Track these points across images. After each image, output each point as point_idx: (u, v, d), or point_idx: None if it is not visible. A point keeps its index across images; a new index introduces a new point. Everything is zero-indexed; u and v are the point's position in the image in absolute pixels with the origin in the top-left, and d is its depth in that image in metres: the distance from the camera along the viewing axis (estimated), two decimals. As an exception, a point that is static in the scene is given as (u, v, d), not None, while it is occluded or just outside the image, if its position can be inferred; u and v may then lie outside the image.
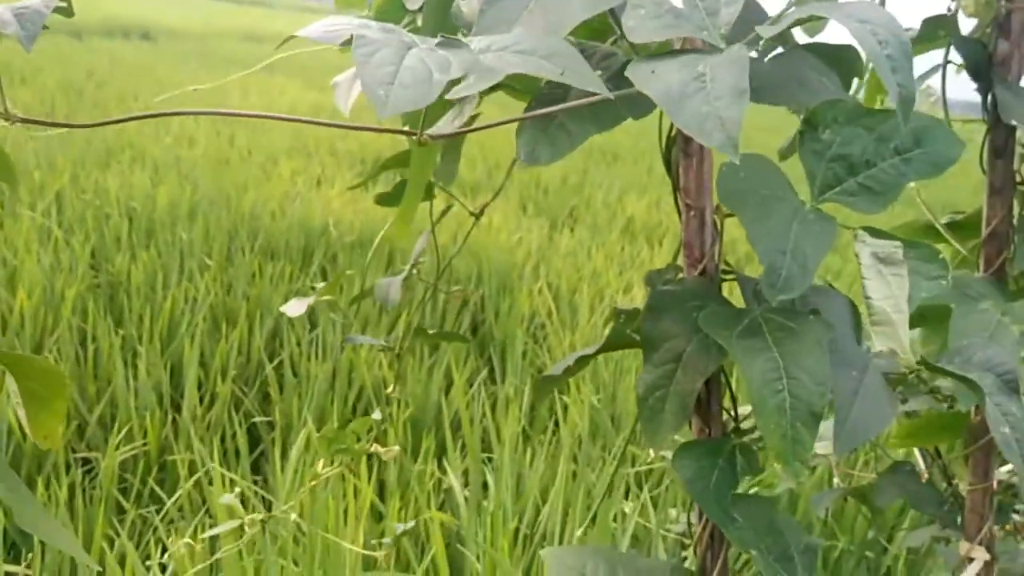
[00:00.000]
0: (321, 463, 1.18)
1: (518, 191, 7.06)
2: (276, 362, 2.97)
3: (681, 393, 0.71)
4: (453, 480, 2.23)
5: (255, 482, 2.51)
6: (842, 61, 0.85)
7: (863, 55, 0.86)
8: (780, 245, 0.65)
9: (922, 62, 1.25)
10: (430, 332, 1.16)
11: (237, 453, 2.49)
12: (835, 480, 1.39)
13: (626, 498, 2.26)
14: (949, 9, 1.15)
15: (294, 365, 3.01)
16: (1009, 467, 1.22)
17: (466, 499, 2.28)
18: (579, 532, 2.11)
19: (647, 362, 0.74)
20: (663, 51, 0.69)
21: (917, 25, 1.21)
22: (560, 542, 2.02)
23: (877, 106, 1.34)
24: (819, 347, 0.63)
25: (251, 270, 3.74)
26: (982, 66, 1.10)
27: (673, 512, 2.12)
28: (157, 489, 2.31)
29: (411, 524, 1.26)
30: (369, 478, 2.24)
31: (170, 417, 2.66)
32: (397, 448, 1.20)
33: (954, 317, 0.96)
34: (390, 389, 1.19)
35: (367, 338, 1.23)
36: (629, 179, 7.95)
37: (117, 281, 3.50)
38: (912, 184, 1.29)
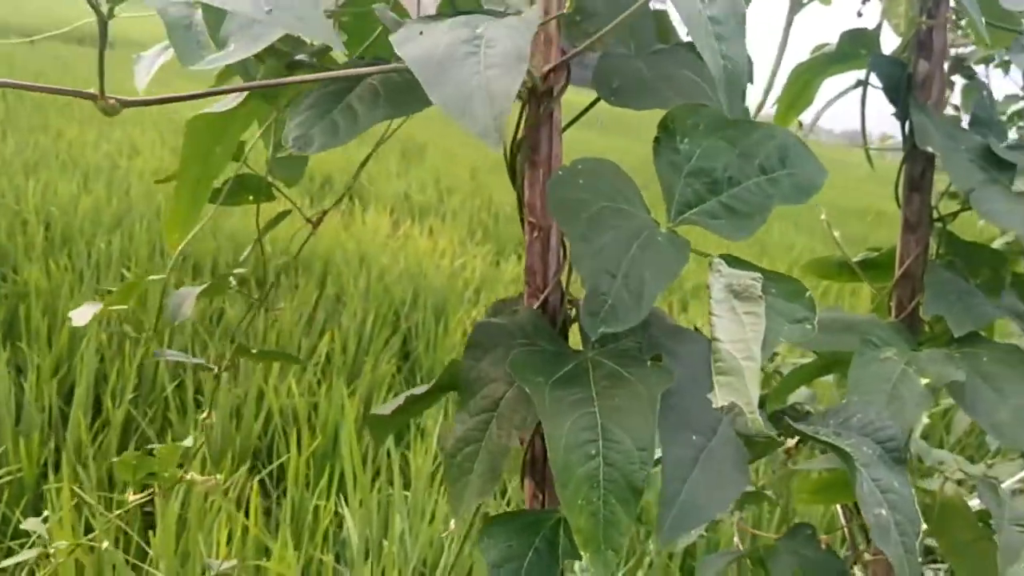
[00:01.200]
0: (131, 491, 1.02)
1: (468, 216, 6.94)
2: (176, 383, 2.78)
3: (493, 451, 0.57)
4: (348, 519, 2.07)
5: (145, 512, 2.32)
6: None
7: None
8: (610, 266, 0.52)
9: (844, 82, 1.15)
10: (254, 351, 1.01)
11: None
12: (735, 540, 1.26)
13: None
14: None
15: (199, 387, 2.82)
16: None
17: (367, 539, 2.12)
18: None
19: (462, 409, 0.60)
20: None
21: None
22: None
23: (792, 127, 1.23)
24: (650, 402, 0.50)
25: (171, 285, 3.54)
26: (900, 88, 1.00)
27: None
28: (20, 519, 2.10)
29: (232, 563, 1.11)
30: (269, 512, 2.07)
31: (55, 441, 2.46)
32: (217, 478, 1.05)
33: (853, 366, 0.84)
34: (204, 415, 1.03)
35: (177, 354, 1.08)
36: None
37: (22, 291, 3.28)
38: (823, 216, 1.19)
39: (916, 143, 0.96)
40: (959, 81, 3.90)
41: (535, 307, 0.65)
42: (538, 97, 0.65)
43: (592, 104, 0.69)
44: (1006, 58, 3.32)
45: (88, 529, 2.05)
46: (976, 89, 3.63)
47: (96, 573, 1.77)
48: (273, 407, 2.75)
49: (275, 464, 2.58)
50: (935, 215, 1.01)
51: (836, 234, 1.18)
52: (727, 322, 0.51)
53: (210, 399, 2.77)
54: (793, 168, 0.61)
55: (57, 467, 2.32)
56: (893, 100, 1.00)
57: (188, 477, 1.07)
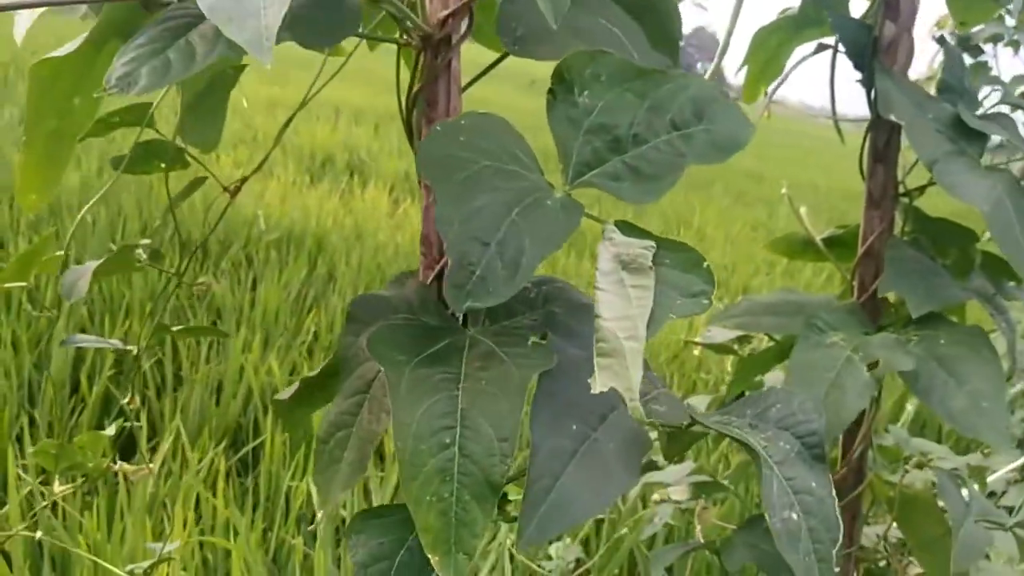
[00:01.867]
0: (56, 482, 0.98)
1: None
2: (153, 361, 2.74)
3: (363, 437, 0.51)
4: (316, 497, 2.02)
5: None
6: (655, 12, 0.67)
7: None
8: (483, 233, 0.46)
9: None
10: (175, 328, 0.96)
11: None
12: (698, 530, 1.21)
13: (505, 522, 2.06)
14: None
15: (179, 366, 2.78)
16: (880, 528, 1.05)
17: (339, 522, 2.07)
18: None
19: (339, 391, 0.54)
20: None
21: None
22: None
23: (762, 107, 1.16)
24: (518, 386, 0.44)
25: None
26: (865, 52, 0.93)
27: (554, 549, 1.92)
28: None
29: (175, 545, 1.06)
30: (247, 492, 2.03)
31: (25, 419, 2.42)
32: (150, 467, 1.00)
33: (794, 352, 0.78)
34: (127, 399, 0.98)
35: (90, 338, 1.02)
36: (582, 192, 7.77)
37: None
38: (784, 189, 1.12)
39: (879, 111, 0.89)
40: (967, 60, 3.77)
41: (430, 280, 0.59)
42: (434, 46, 0.59)
43: (499, 59, 0.63)
44: (1016, 37, 3.22)
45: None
46: (980, 66, 3.51)
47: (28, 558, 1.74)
48: (253, 385, 2.71)
49: (253, 444, 2.54)
50: (901, 189, 0.94)
51: (803, 210, 1.11)
52: (612, 297, 0.45)
53: (189, 378, 2.74)
54: (711, 123, 0.55)
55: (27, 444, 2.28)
56: (858, 66, 0.94)
57: (116, 467, 1.02)
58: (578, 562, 1.98)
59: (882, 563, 1.03)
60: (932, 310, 0.81)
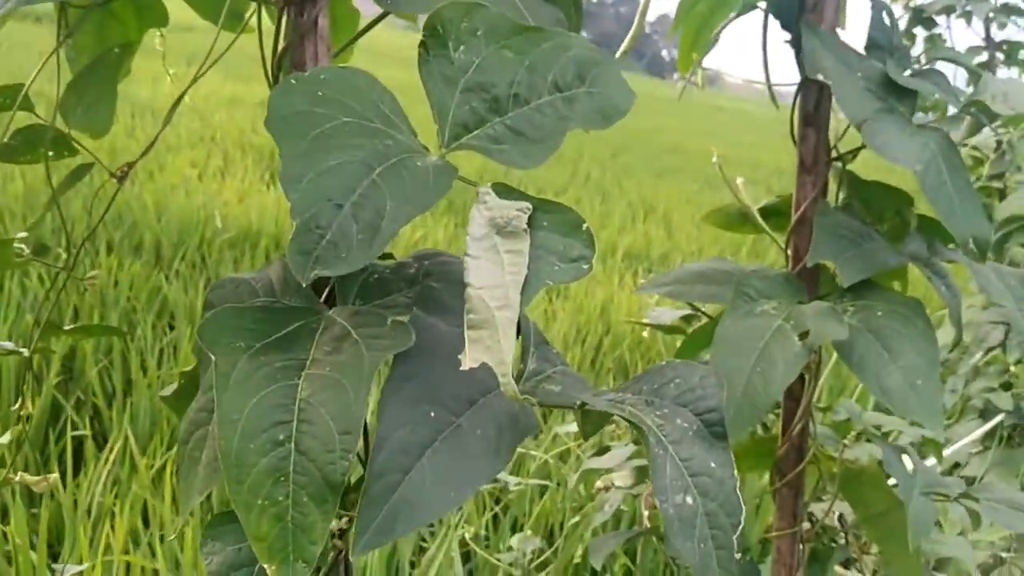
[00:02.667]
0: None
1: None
2: (99, 367, 2.66)
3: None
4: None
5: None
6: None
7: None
8: (336, 193, 0.41)
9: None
10: (66, 328, 0.90)
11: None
12: (645, 516, 1.17)
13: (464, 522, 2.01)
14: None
15: (129, 372, 2.70)
16: (825, 504, 1.01)
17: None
18: (408, 556, 1.86)
19: (200, 387, 0.49)
20: None
21: None
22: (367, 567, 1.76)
23: (699, 81, 1.12)
24: (365, 370, 0.39)
25: (106, 266, 3.41)
26: (792, 12, 0.89)
27: (515, 541, 1.88)
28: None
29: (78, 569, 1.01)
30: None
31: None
32: (54, 476, 0.94)
33: (722, 321, 0.73)
34: (17, 405, 0.92)
35: None
36: (550, 180, 7.76)
37: (-52, 275, 3.14)
38: (714, 158, 1.08)
39: (806, 71, 0.85)
40: (921, 33, 3.75)
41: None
42: (299, 2, 0.54)
43: (377, 19, 0.58)
44: (968, 8, 3.22)
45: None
46: (935, 38, 3.49)
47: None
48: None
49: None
50: (834, 153, 0.91)
51: (739, 180, 1.07)
52: (484, 264, 0.40)
53: (139, 382, 2.67)
54: (595, 87, 0.50)
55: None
56: (786, 25, 0.90)
57: (17, 479, 0.96)
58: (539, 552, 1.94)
59: (833, 542, 0.99)
60: (866, 278, 0.78)
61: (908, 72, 0.88)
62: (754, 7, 0.94)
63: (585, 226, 0.43)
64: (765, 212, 1.01)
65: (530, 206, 0.44)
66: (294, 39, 0.54)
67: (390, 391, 0.41)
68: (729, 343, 0.71)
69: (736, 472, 0.47)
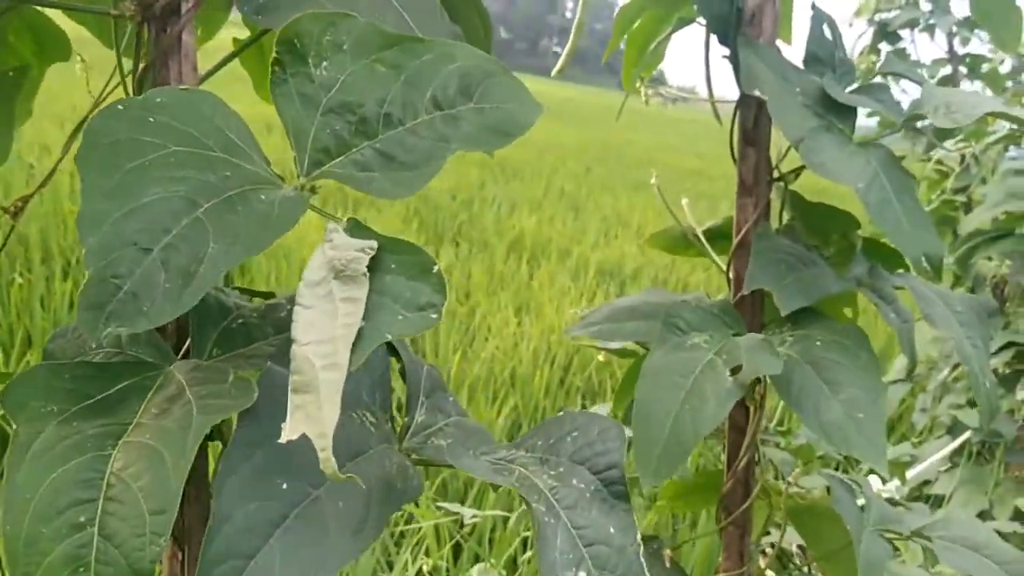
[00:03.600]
0: None
1: (403, 205, 6.75)
2: None
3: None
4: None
5: None
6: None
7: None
8: (143, 236, 0.35)
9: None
10: None
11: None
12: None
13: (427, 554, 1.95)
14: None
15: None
16: (773, 538, 0.96)
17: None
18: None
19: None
20: None
21: None
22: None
23: (644, 98, 1.07)
24: (189, 437, 0.33)
25: (61, 291, 3.32)
26: (729, 26, 0.84)
27: (475, 572, 1.82)
28: None
29: None
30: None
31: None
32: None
33: (649, 356, 0.68)
34: None
35: None
36: (524, 195, 7.73)
37: None
38: (653, 179, 1.04)
39: (743, 87, 0.80)
40: (886, 47, 3.75)
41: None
42: (158, 16, 0.48)
43: (255, 38, 0.53)
44: (931, 22, 3.22)
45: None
46: (899, 53, 3.49)
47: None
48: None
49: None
50: (776, 173, 0.86)
51: (684, 202, 1.03)
52: (317, 314, 0.35)
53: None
54: (485, 101, 0.45)
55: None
56: (723, 40, 0.85)
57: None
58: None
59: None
60: (807, 305, 0.73)
61: (852, 87, 0.84)
62: (692, 22, 0.89)
63: (436, 269, 0.38)
64: (711, 234, 0.96)
65: (375, 245, 0.38)
66: (155, 58, 0.48)
67: (231, 461, 0.36)
68: (656, 379, 0.65)
69: (638, 537, 0.41)
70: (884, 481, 1.79)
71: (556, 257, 5.73)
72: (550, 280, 5.09)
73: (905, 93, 3.59)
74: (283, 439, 0.32)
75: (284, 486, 0.36)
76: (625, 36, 1.01)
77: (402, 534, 2.09)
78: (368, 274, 0.36)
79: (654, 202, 8.77)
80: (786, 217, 0.89)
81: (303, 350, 0.33)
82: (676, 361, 0.66)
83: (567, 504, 0.40)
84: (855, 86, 0.83)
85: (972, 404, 2.34)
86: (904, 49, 3.41)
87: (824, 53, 0.82)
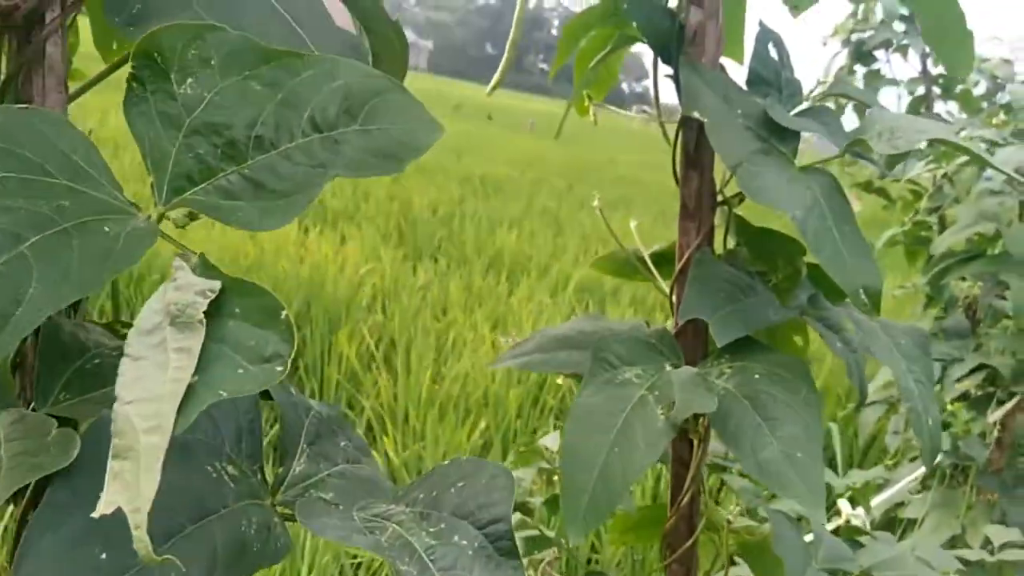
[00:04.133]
0: None
1: (384, 220, 6.72)
2: None
3: None
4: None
5: None
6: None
7: None
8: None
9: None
10: None
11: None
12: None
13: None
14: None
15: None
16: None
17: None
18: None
19: None
20: None
21: None
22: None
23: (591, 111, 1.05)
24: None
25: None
26: (671, 45, 0.81)
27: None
28: None
29: None
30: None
31: None
32: None
33: (578, 394, 0.65)
34: None
35: None
36: (505, 212, 7.71)
37: None
38: (595, 202, 1.01)
39: (683, 108, 0.78)
40: (861, 69, 3.75)
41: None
42: (19, 26, 0.45)
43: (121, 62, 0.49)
44: (905, 42, 3.22)
45: None
46: (874, 73, 3.48)
47: None
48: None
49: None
50: (720, 197, 0.83)
51: (633, 224, 1.00)
52: (145, 367, 0.31)
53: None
54: (373, 122, 0.41)
55: None
56: (665, 58, 0.82)
57: None
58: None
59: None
60: (747, 335, 0.70)
61: (798, 109, 0.81)
62: (635, 41, 0.87)
63: (284, 314, 0.34)
64: (658, 258, 0.93)
65: (217, 287, 0.35)
66: (16, 70, 0.45)
67: (37, 527, 0.32)
68: (584, 420, 0.62)
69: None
70: (853, 505, 1.75)
71: (536, 274, 5.70)
72: (529, 296, 5.06)
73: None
74: (97, 513, 0.28)
75: (103, 556, 0.32)
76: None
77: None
78: (205, 320, 0.32)
79: (636, 221, 8.74)
80: (731, 242, 0.86)
81: (125, 409, 0.30)
82: (605, 399, 0.63)
83: (444, 565, 0.37)
84: (803, 107, 0.81)
85: (944, 427, 2.32)
86: (879, 70, 3.41)
87: (768, 73, 0.79)
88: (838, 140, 0.76)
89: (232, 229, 4.97)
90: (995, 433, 2.31)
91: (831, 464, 3.26)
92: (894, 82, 3.26)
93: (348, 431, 0.50)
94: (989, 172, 2.69)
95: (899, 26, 3.19)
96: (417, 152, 0.42)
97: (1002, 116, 2.92)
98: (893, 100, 3.34)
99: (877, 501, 2.29)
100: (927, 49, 3.06)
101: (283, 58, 0.41)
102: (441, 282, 5.13)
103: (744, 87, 0.80)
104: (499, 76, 0.81)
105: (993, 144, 2.13)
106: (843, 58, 3.41)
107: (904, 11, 2.98)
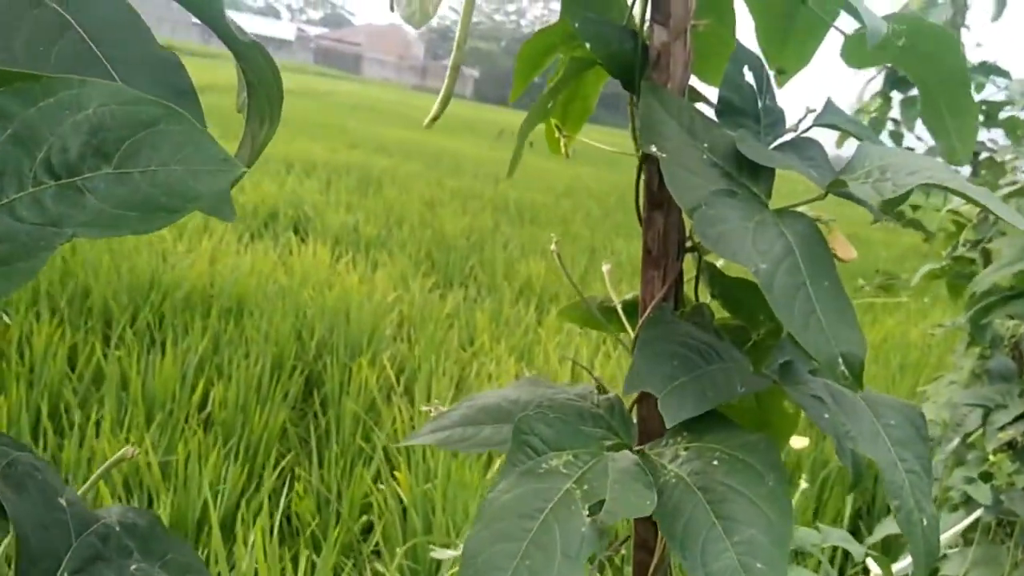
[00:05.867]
0: None
1: (416, 247, 6.67)
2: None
3: None
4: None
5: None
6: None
7: None
8: None
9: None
10: None
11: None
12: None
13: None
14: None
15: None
16: None
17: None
18: None
19: None
20: None
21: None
22: None
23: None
24: None
25: (30, 324, 3.24)
26: (632, 69, 0.71)
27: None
28: None
29: None
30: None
31: None
32: None
33: (489, 492, 0.54)
34: None
35: None
36: (538, 239, 7.62)
37: None
38: (552, 245, 0.90)
39: (640, 142, 0.67)
40: (897, 96, 3.59)
41: None
42: None
43: None
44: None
45: None
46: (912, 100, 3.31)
47: None
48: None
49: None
50: (690, 242, 0.72)
51: (606, 268, 0.89)
52: None
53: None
54: (135, 164, 0.32)
55: None
56: (627, 85, 0.72)
57: None
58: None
59: None
60: (694, 414, 0.58)
61: (779, 141, 0.70)
62: (592, 64, 0.76)
63: None
64: (630, 308, 0.82)
65: None
66: None
67: None
68: (493, 521, 0.51)
69: None
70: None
71: (565, 302, 5.59)
72: (558, 326, 4.94)
73: (920, 140, 3.41)
74: None
75: None
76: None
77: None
78: None
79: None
80: (706, 294, 0.74)
81: None
82: (521, 495, 0.52)
83: None
84: (785, 139, 0.70)
85: (985, 478, 2.15)
86: (915, 96, 3.25)
87: (742, 101, 0.68)
88: (824, 178, 0.65)
89: (264, 254, 4.90)
90: (1043, 486, 2.13)
91: (859, 512, 3.07)
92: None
93: (169, 545, 0.40)
94: (1039, 202, 2.52)
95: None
96: (197, 201, 0.33)
97: (1053, 143, 2.75)
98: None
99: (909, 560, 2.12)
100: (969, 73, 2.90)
101: (14, 81, 0.32)
102: (469, 309, 5.05)
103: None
104: (438, 107, 0.71)
105: (1038, 175, 1.97)
106: (878, 83, 3.27)
107: (943, 33, 2.83)
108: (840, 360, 0.54)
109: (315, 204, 7.37)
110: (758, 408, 0.79)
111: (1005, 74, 2.73)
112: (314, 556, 2.26)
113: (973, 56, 2.82)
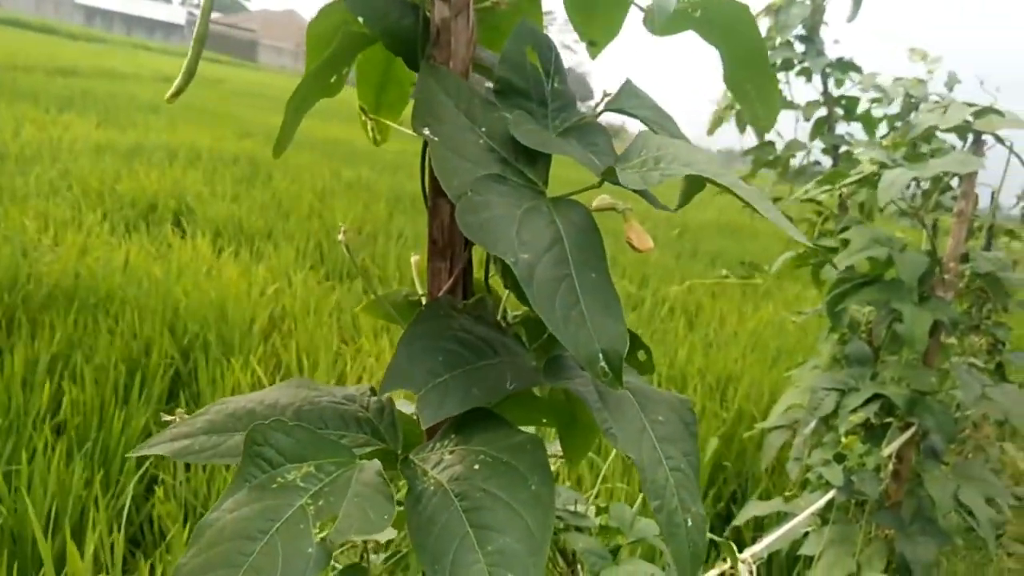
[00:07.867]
0: None
1: (304, 240, 6.48)
2: None
3: None
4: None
5: None
6: None
7: None
8: None
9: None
10: None
11: None
12: None
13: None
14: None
15: None
16: None
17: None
18: None
19: None
20: None
21: None
22: None
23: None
24: None
25: None
26: (413, 45, 0.67)
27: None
28: None
29: None
30: None
31: None
32: None
33: (210, 511, 0.49)
34: None
35: None
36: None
37: None
38: (340, 235, 0.85)
39: (415, 123, 0.63)
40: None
41: None
42: None
43: None
44: (806, 64, 3.14)
45: None
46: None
47: None
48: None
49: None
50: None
51: (414, 259, 0.85)
52: None
53: None
54: None
55: None
56: (410, 62, 0.68)
57: None
58: None
59: None
60: (451, 414, 0.54)
61: (565, 126, 0.67)
62: (372, 42, 0.71)
63: None
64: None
65: None
66: None
67: None
68: (211, 543, 0.46)
69: None
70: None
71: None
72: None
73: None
74: None
75: None
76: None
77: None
78: None
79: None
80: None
81: None
82: (247, 514, 0.47)
83: None
84: (569, 124, 0.67)
85: (839, 459, 2.22)
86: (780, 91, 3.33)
87: (524, 82, 0.65)
88: (604, 162, 0.62)
89: (139, 247, 4.62)
90: (891, 466, 2.22)
91: (734, 494, 3.15)
92: (793, 105, 3.14)
93: None
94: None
95: (799, 46, 3.10)
96: None
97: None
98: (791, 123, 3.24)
99: (774, 537, 2.17)
100: (827, 70, 2.99)
101: None
102: (357, 303, 4.93)
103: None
104: (183, 78, 0.65)
105: (883, 166, 2.04)
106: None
107: (803, 31, 2.91)
108: (600, 356, 0.51)
109: (198, 195, 7.08)
110: (567, 403, 0.76)
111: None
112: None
113: (833, 52, 2.91)
